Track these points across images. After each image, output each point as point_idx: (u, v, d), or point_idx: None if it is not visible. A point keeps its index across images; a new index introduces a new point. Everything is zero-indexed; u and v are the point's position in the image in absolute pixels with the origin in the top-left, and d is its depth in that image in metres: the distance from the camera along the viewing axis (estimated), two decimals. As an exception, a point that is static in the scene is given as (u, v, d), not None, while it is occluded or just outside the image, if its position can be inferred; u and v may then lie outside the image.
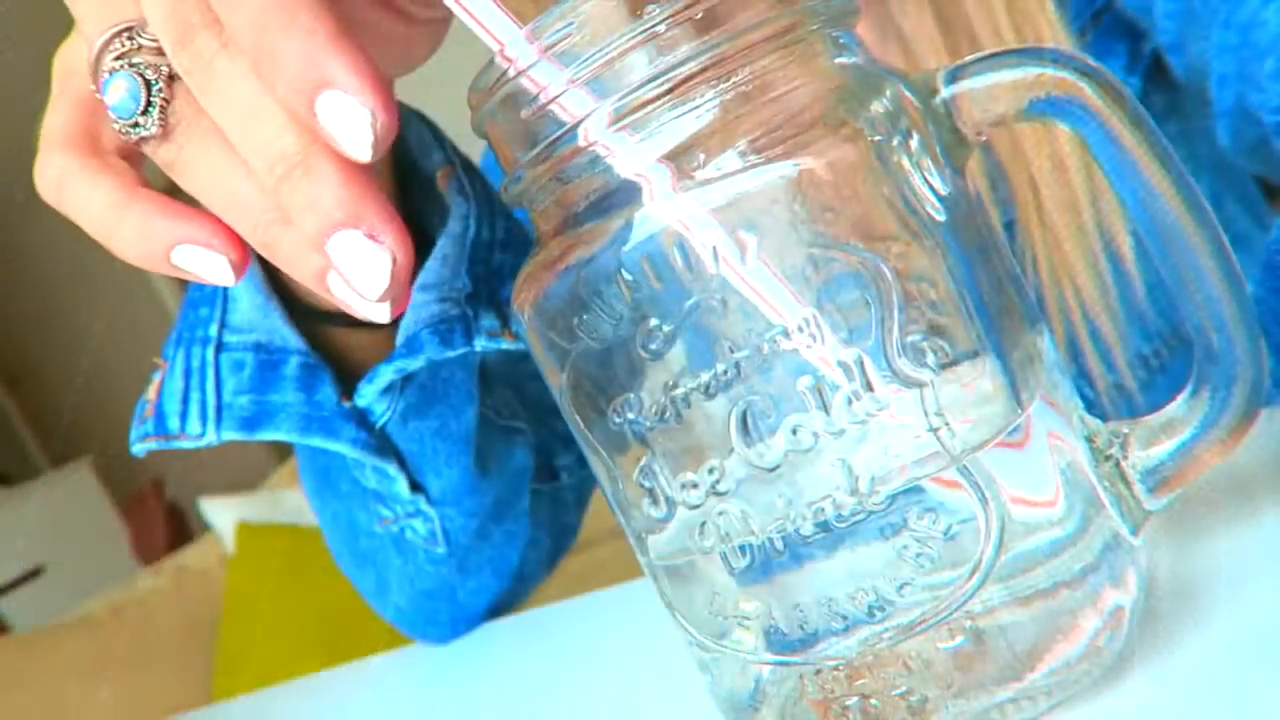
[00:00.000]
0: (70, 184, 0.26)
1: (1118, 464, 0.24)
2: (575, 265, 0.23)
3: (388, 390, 0.37)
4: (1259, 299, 0.30)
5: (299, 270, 0.24)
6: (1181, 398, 0.24)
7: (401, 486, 0.41)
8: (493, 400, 0.46)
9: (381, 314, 0.24)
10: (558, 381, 0.24)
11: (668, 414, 0.22)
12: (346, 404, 0.37)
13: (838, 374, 0.21)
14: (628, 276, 0.22)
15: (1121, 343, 0.49)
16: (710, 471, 0.22)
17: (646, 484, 0.23)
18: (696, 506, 0.23)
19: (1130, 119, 0.21)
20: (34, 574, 3.67)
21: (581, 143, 0.22)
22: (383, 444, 0.39)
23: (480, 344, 0.36)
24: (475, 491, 0.43)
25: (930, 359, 0.21)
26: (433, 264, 0.36)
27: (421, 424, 0.39)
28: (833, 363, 0.21)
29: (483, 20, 0.23)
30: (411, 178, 0.40)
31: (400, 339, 0.36)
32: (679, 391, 0.22)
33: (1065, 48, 0.23)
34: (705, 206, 0.21)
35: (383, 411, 0.38)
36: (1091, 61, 0.22)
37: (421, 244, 0.40)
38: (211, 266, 0.25)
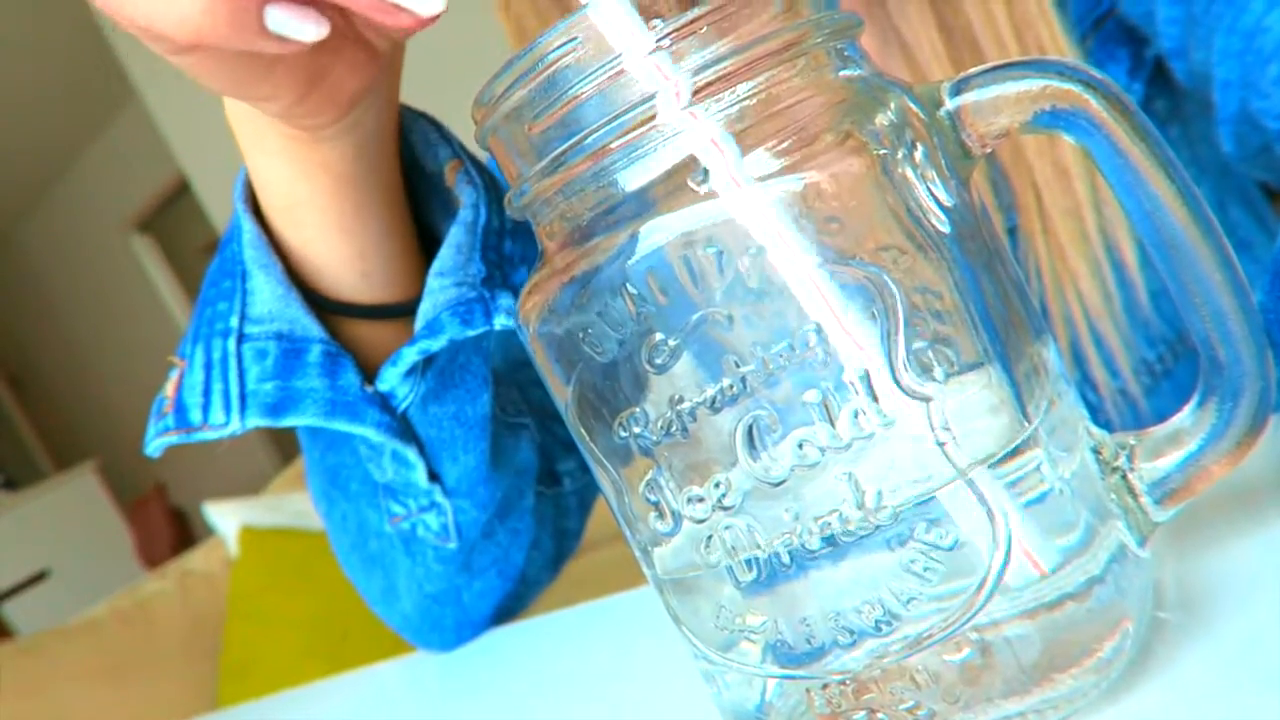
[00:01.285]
0: None
1: (1124, 476, 0.24)
2: (580, 279, 0.23)
3: (409, 373, 0.38)
4: (1265, 307, 0.30)
5: None
6: (1188, 408, 0.24)
7: (420, 475, 0.41)
8: (499, 397, 0.46)
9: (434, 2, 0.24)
10: (563, 395, 0.24)
11: (673, 428, 0.22)
12: (369, 389, 0.38)
13: (843, 389, 0.21)
14: (632, 290, 0.22)
15: (1125, 349, 0.49)
16: (716, 486, 0.22)
17: (652, 498, 0.23)
18: (702, 521, 0.23)
19: (1136, 131, 0.21)
20: (39, 577, 3.68)
21: (661, 115, 0.21)
22: (404, 429, 0.40)
23: (499, 322, 0.37)
24: (488, 481, 0.43)
25: (937, 370, 0.21)
26: (447, 251, 0.37)
27: (440, 409, 0.40)
28: (838, 378, 0.21)
29: None
30: (416, 178, 0.40)
31: (420, 323, 0.37)
32: (685, 406, 0.22)
33: (1070, 59, 0.23)
34: (710, 220, 0.21)
35: (405, 395, 0.38)
36: (1097, 73, 0.22)
37: (429, 244, 0.40)
38: (305, 20, 0.25)
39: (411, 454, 0.40)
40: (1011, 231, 0.49)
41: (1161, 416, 0.54)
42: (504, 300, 0.37)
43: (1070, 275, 0.47)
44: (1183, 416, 0.24)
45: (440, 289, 0.36)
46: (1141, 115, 0.22)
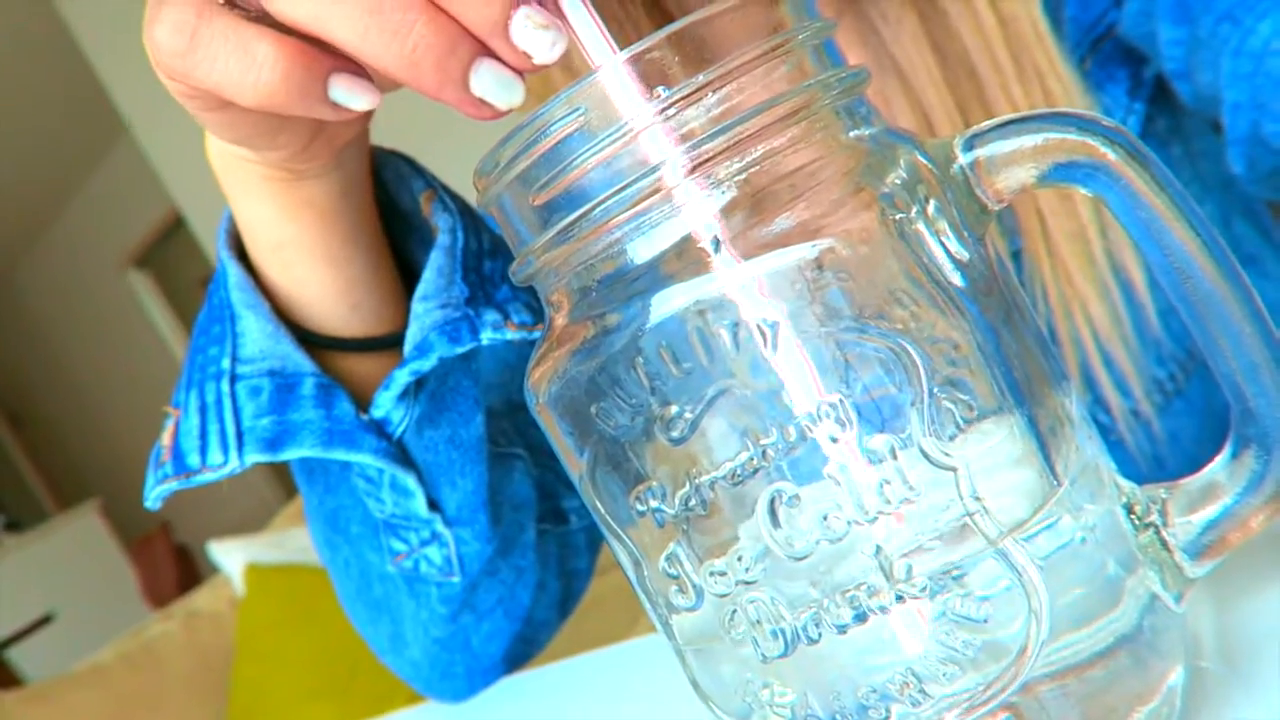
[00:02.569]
0: (208, 33, 0.25)
1: (1158, 531, 0.23)
2: (589, 351, 0.22)
3: (403, 397, 0.38)
4: None
5: (448, 69, 0.23)
6: (1220, 460, 0.23)
7: (419, 504, 0.41)
8: (489, 429, 0.45)
9: (515, 97, 0.24)
10: (578, 468, 0.23)
11: (692, 502, 0.22)
12: (364, 417, 0.38)
13: (868, 460, 0.20)
14: (644, 363, 0.21)
15: (1136, 369, 0.48)
16: (739, 560, 0.22)
17: (672, 572, 0.23)
18: (725, 595, 0.22)
19: (1156, 182, 0.21)
20: (44, 621, 3.65)
21: (661, 187, 0.21)
22: (402, 456, 0.40)
23: (487, 336, 0.37)
24: (488, 507, 0.43)
25: (956, 414, 0.21)
26: (429, 275, 0.37)
27: (435, 433, 0.40)
28: (862, 448, 0.20)
29: (584, 38, 0.23)
30: (391, 217, 0.41)
31: (409, 346, 0.37)
32: (704, 479, 0.21)
33: (1085, 111, 0.23)
34: (723, 290, 0.21)
35: (399, 420, 0.38)
36: (1113, 124, 0.21)
37: (407, 278, 0.40)
38: (364, 92, 0.26)
39: (411, 481, 0.40)
40: (1016, 255, 0.48)
41: (1175, 436, 0.53)
42: (489, 316, 0.37)
43: (1079, 298, 0.47)
44: (1215, 468, 0.23)
45: (425, 312, 0.37)
46: (1161, 165, 0.21)
